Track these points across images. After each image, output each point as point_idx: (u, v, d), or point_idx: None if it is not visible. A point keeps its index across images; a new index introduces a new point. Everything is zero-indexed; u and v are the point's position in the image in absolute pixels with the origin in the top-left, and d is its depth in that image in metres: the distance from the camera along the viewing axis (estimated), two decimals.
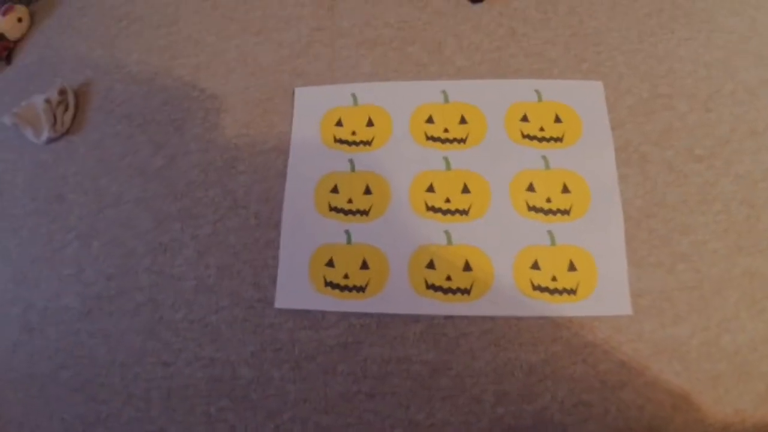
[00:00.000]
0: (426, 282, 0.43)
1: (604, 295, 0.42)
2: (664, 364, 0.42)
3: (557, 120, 0.47)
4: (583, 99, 0.47)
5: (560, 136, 0.46)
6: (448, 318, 0.44)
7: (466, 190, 0.45)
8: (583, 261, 0.43)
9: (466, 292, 0.43)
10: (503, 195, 0.45)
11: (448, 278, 0.43)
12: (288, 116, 0.52)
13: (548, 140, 0.46)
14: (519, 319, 0.43)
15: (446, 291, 0.43)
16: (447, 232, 0.44)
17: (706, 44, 0.51)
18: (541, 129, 0.47)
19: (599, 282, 0.42)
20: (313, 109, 0.50)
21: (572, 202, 0.44)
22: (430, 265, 0.43)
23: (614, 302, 0.42)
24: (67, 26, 0.62)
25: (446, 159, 0.47)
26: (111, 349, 0.48)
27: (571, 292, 0.42)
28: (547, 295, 0.42)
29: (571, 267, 0.43)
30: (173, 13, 0.61)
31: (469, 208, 0.45)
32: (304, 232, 0.46)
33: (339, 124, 0.49)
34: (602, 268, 0.42)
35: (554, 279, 0.42)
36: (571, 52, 0.52)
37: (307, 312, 0.45)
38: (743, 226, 0.45)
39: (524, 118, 0.47)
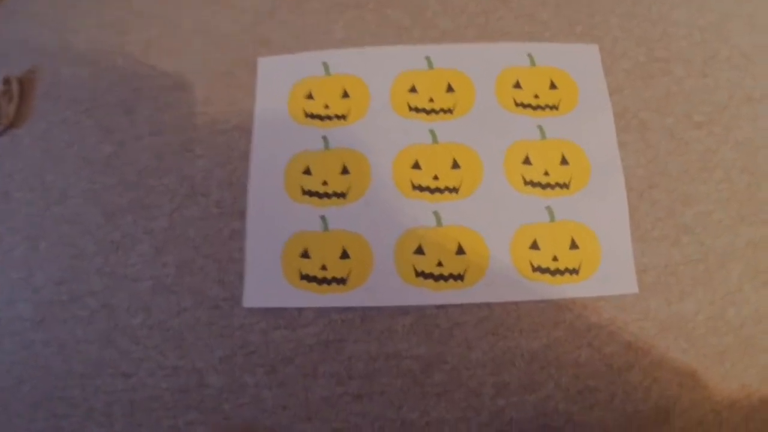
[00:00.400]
0: (415, 269, 0.38)
1: (609, 273, 0.38)
2: (670, 342, 0.40)
3: (552, 86, 0.42)
4: (579, 63, 0.43)
5: (556, 103, 0.42)
6: (441, 307, 0.39)
7: (455, 165, 0.40)
8: (585, 238, 0.38)
9: (459, 278, 0.38)
10: (497, 169, 0.40)
11: (440, 264, 0.38)
12: (251, 90, 0.46)
13: (543, 108, 0.42)
14: (518, 304, 0.39)
15: (438, 278, 0.38)
16: (436, 213, 0.39)
17: (699, 7, 0.48)
18: (536, 96, 0.42)
19: (603, 259, 0.38)
20: (279, 82, 0.43)
21: (571, 175, 0.40)
22: (419, 251, 0.38)
23: (619, 280, 0.38)
24: (14, 11, 0.53)
25: (432, 131, 0.41)
26: (67, 360, 0.42)
27: (574, 271, 0.38)
28: (548, 276, 0.38)
29: (573, 245, 0.38)
30: None
31: (459, 186, 0.40)
32: (274, 220, 0.40)
33: (309, 96, 0.43)
34: (605, 244, 0.38)
35: (555, 259, 0.38)
36: (563, 13, 0.47)
37: (280, 310, 0.40)
38: (744, 195, 0.43)
39: (517, 85, 0.42)
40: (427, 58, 0.44)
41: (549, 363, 0.39)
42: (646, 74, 0.46)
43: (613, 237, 0.39)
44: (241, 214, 0.43)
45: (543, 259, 0.38)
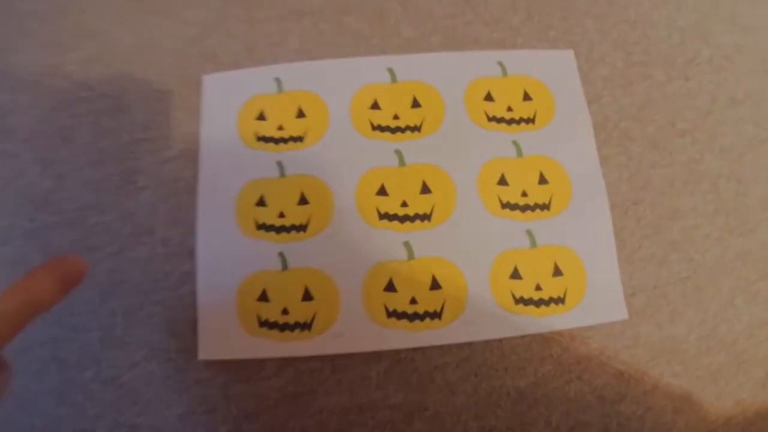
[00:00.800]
0: (386, 309, 0.34)
1: (596, 299, 0.34)
2: (663, 367, 0.37)
3: (526, 97, 0.38)
4: (554, 71, 0.39)
5: (531, 116, 0.38)
6: (418, 350, 0.35)
7: (426, 189, 0.36)
8: (569, 263, 0.35)
9: (436, 315, 0.33)
10: (471, 192, 0.36)
11: (413, 301, 0.34)
12: (197, 112, 0.40)
13: (518, 122, 0.38)
14: (501, 340, 0.35)
15: (412, 317, 0.33)
16: (407, 244, 0.35)
17: (678, 8, 0.46)
18: (509, 109, 0.38)
19: (589, 285, 0.35)
20: (227, 101, 0.38)
21: (551, 194, 0.36)
22: (390, 287, 0.34)
23: (608, 307, 0.35)
24: None
25: (399, 152, 0.37)
26: (27, 415, 0.37)
27: (559, 301, 0.34)
28: (532, 308, 0.34)
29: (557, 271, 0.35)
30: (64, 0, 0.46)
31: (431, 212, 0.35)
32: (226, 260, 0.34)
33: (261, 117, 0.38)
34: (591, 268, 0.35)
35: (538, 288, 0.34)
36: (535, 17, 0.44)
37: (240, 361, 0.35)
38: (732, 204, 0.41)
39: (488, 97, 0.38)
40: (390, 70, 0.39)
41: (537, 401, 0.35)
42: (626, 81, 0.43)
43: (599, 260, 0.36)
44: (191, 254, 0.38)
45: (525, 289, 0.35)
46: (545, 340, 0.36)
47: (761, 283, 0.40)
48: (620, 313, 0.35)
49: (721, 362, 0.38)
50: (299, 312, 0.34)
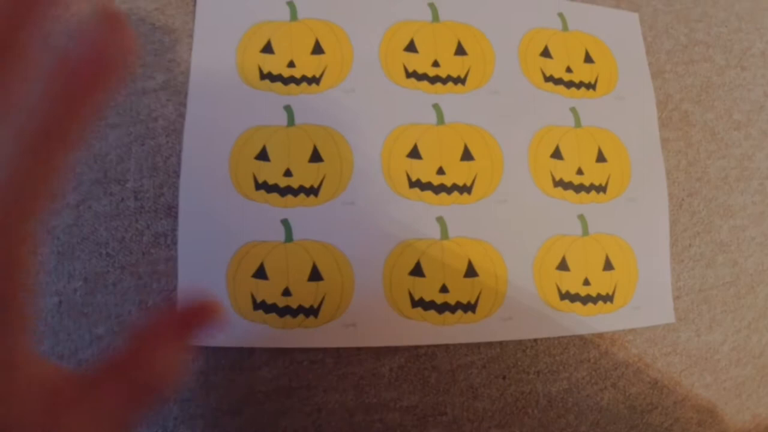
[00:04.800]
0: (411, 296, 0.25)
1: (645, 300, 0.27)
2: (696, 377, 0.32)
3: (588, 59, 0.29)
4: (618, 34, 0.30)
5: (592, 81, 0.29)
6: (440, 345, 0.26)
7: (467, 155, 0.26)
8: (621, 256, 0.27)
9: (470, 308, 0.25)
10: (520, 163, 0.27)
11: (444, 289, 0.25)
12: (187, 36, 0.29)
13: (578, 86, 0.28)
14: (536, 340, 0.27)
15: (442, 308, 0.25)
16: (441, 220, 0.25)
17: None
18: (569, 70, 0.28)
19: (639, 283, 0.27)
20: (225, 27, 0.27)
21: (609, 175, 0.28)
22: (417, 271, 0.25)
23: (656, 308, 0.28)
24: None
25: (437, 107, 0.27)
26: None
27: (608, 298, 0.26)
28: (578, 305, 0.26)
29: (608, 265, 0.27)
30: None
31: (472, 183, 0.26)
32: (216, 224, 0.24)
33: (268, 49, 0.27)
34: (643, 264, 0.27)
35: (587, 282, 0.26)
36: None
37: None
38: None
39: (546, 53, 0.28)
40: (431, 6, 0.29)
41: (567, 410, 0.28)
42: (688, 58, 0.35)
43: (652, 255, 0.28)
44: (170, 211, 0.27)
45: (573, 282, 0.26)
46: (584, 342, 0.28)
47: None
48: (668, 316, 0.28)
49: (747, 375, 0.33)
50: (304, 294, 0.25)
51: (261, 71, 0.28)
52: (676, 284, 0.32)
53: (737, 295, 0.33)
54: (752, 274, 0.34)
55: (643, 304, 0.28)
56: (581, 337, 0.29)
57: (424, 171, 0.27)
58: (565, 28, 0.31)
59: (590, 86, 0.30)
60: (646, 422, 0.31)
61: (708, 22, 0.38)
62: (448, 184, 0.28)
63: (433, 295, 0.27)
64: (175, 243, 0.28)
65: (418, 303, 0.26)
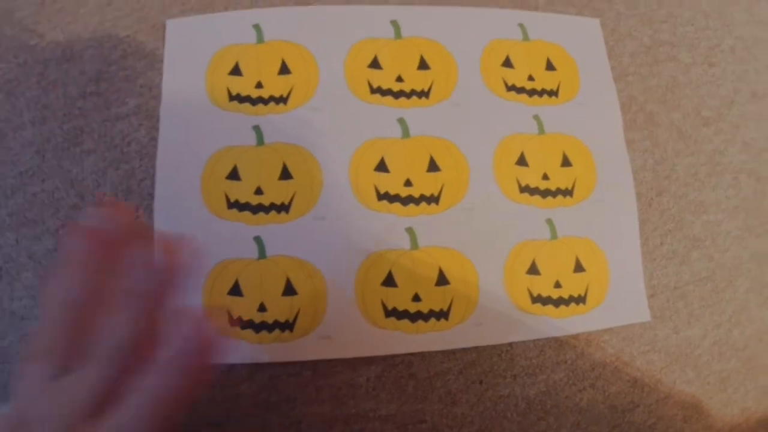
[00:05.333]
0: (385, 306, 0.25)
1: (619, 299, 0.27)
2: (677, 374, 0.32)
3: (549, 66, 0.30)
4: (580, 40, 0.31)
5: (554, 88, 0.29)
6: (416, 353, 0.27)
7: (433, 166, 0.27)
8: (591, 257, 0.27)
9: (442, 315, 0.25)
10: (486, 172, 0.27)
11: (416, 298, 0.25)
12: (158, 62, 0.29)
13: (540, 93, 0.29)
14: (511, 344, 0.27)
15: (415, 317, 0.25)
16: (410, 231, 0.26)
17: None
18: (530, 78, 0.29)
19: (611, 283, 0.28)
20: (195, 51, 0.28)
21: (575, 179, 0.28)
22: (389, 281, 0.25)
23: (630, 307, 0.28)
24: None
25: (402, 121, 0.27)
26: None
27: (580, 300, 0.27)
28: (551, 308, 0.26)
29: (578, 267, 0.27)
30: None
31: (439, 194, 0.26)
32: None
33: (236, 71, 0.27)
34: (614, 264, 0.28)
35: (558, 285, 0.27)
36: None
37: None
38: (751, 202, 0.35)
39: (507, 63, 0.29)
40: (394, 23, 0.29)
41: (547, 412, 0.28)
42: (652, 59, 0.35)
43: (623, 255, 0.28)
44: None
45: (544, 286, 0.27)
46: (560, 344, 0.29)
47: None
48: (643, 314, 0.28)
49: (731, 369, 0.33)
50: (279, 309, 0.25)
51: (230, 93, 0.29)
52: (649, 282, 0.32)
53: (715, 289, 0.33)
54: (730, 268, 0.34)
55: (617, 304, 0.29)
56: (557, 340, 0.29)
57: (392, 183, 0.28)
58: (525, 37, 0.32)
59: (552, 93, 0.31)
60: (628, 421, 0.31)
61: (673, 23, 0.38)
62: (416, 195, 0.28)
63: (405, 304, 0.27)
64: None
65: (392, 313, 0.27)
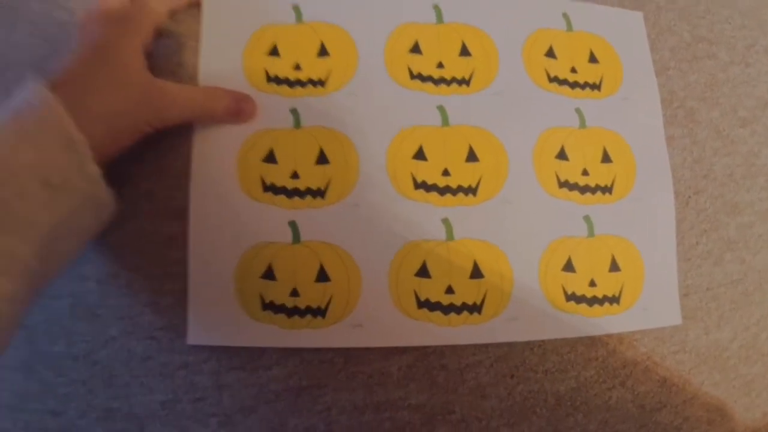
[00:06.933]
0: (417, 297, 0.24)
1: (652, 300, 0.27)
2: (705, 376, 0.31)
3: (592, 59, 0.28)
4: (623, 33, 0.30)
5: (597, 81, 0.28)
6: (447, 344, 0.26)
7: (472, 156, 0.26)
8: (627, 257, 0.26)
9: (475, 309, 0.25)
10: (525, 164, 0.26)
11: (450, 290, 0.25)
12: (193, 40, 0.28)
13: (582, 86, 0.28)
14: (544, 339, 0.26)
15: (448, 309, 0.25)
16: (446, 222, 0.25)
17: None
18: (573, 70, 0.28)
19: (646, 285, 0.27)
20: (232, 30, 0.27)
21: (614, 175, 0.27)
22: (423, 272, 0.25)
23: (662, 310, 0.27)
24: None
25: (442, 109, 0.26)
26: None
27: (614, 300, 0.26)
28: (584, 306, 0.26)
29: (614, 266, 0.26)
30: None
31: (477, 185, 0.26)
32: (225, 226, 0.24)
33: (274, 53, 0.26)
34: (650, 265, 0.27)
35: (593, 284, 0.26)
36: None
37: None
38: None
39: (550, 53, 0.28)
40: (436, 8, 0.28)
41: (576, 408, 0.28)
42: (691, 55, 0.34)
43: (658, 256, 0.28)
44: (181, 214, 0.28)
45: (578, 284, 0.26)
46: (592, 341, 0.28)
47: None
48: (674, 317, 0.28)
49: (756, 373, 0.32)
50: (312, 295, 0.25)
51: (267, 74, 0.28)
52: (683, 282, 0.31)
53: (745, 292, 0.32)
54: (760, 271, 0.33)
55: (650, 306, 0.28)
56: (589, 337, 0.29)
57: (429, 172, 0.27)
58: (569, 28, 0.31)
59: (595, 87, 0.30)
60: (655, 421, 0.30)
61: (711, 19, 0.37)
62: (453, 185, 0.27)
63: (438, 296, 0.26)
64: (185, 245, 0.28)
65: (424, 304, 0.26)
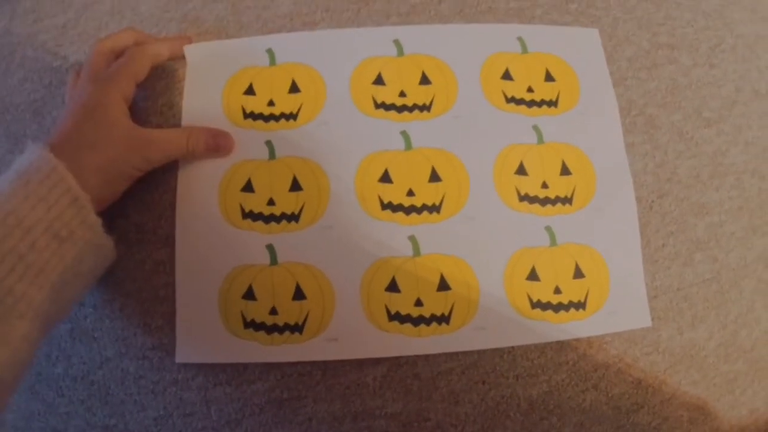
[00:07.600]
0: (388, 311, 0.26)
1: (619, 305, 0.28)
2: (681, 375, 0.32)
3: (548, 77, 0.30)
4: (578, 50, 0.31)
5: (554, 98, 0.30)
6: (420, 354, 0.27)
7: (435, 177, 0.28)
8: (591, 263, 0.27)
9: (443, 319, 0.26)
10: (485, 181, 0.28)
11: (419, 303, 0.26)
12: (177, 84, 0.31)
13: (539, 104, 0.30)
14: (512, 346, 0.28)
15: (417, 321, 0.26)
16: (413, 238, 0.27)
17: None
18: (530, 90, 0.30)
19: (612, 289, 0.28)
20: (211, 74, 0.30)
21: (574, 186, 0.29)
22: (393, 287, 0.26)
23: (631, 313, 0.28)
24: None
25: (405, 134, 0.28)
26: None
27: (580, 305, 0.27)
28: (550, 313, 0.27)
29: (578, 273, 0.27)
30: None
31: (440, 203, 0.27)
32: (208, 252, 0.27)
33: (250, 92, 0.29)
34: (614, 270, 0.28)
35: (557, 291, 0.27)
36: None
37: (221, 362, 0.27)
38: (755, 202, 0.34)
39: (506, 75, 0.30)
40: (396, 42, 0.31)
41: (549, 412, 0.28)
42: (651, 63, 0.35)
43: (623, 260, 0.28)
44: (168, 241, 0.30)
45: (543, 292, 0.27)
46: (561, 346, 0.29)
47: None
48: (643, 319, 0.28)
49: (738, 370, 0.32)
50: (289, 312, 0.27)
51: (244, 111, 0.31)
52: (652, 284, 0.32)
53: (720, 290, 0.33)
54: (735, 269, 0.33)
55: (617, 310, 0.29)
56: (558, 341, 0.30)
57: (395, 194, 0.29)
58: (524, 50, 0.32)
59: (552, 103, 0.31)
60: (632, 422, 0.31)
61: (672, 25, 0.38)
62: (418, 204, 0.29)
63: (408, 308, 0.28)
64: (172, 270, 0.30)
65: (395, 317, 0.28)
